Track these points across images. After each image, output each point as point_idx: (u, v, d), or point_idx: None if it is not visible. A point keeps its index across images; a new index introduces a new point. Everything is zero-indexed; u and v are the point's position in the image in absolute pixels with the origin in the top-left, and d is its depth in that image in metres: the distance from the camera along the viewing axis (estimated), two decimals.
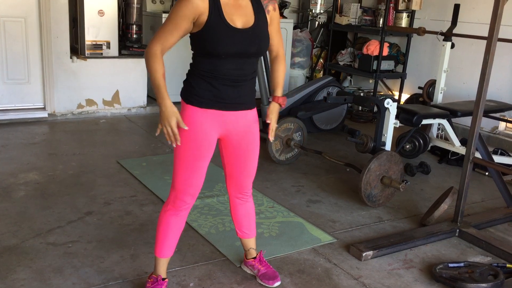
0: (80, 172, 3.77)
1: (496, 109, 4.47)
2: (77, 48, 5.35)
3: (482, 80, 2.90)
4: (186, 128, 2.05)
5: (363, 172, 3.34)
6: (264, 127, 4.75)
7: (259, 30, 2.09)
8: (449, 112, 4.15)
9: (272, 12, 2.16)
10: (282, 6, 6.42)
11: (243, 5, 2.07)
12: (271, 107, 2.31)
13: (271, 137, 2.31)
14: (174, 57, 5.48)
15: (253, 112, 2.23)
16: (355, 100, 4.21)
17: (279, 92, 2.32)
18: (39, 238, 2.76)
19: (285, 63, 2.35)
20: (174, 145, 2.06)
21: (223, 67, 2.04)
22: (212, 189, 3.54)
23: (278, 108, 2.32)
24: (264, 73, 4.34)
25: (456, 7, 4.66)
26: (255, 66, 2.18)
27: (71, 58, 5.13)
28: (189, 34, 2.07)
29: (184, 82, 2.15)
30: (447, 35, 4.58)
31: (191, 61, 2.12)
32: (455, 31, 4.63)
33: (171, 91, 2.04)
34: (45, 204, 3.21)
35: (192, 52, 2.11)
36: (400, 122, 3.92)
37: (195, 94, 2.09)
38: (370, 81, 6.22)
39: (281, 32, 2.29)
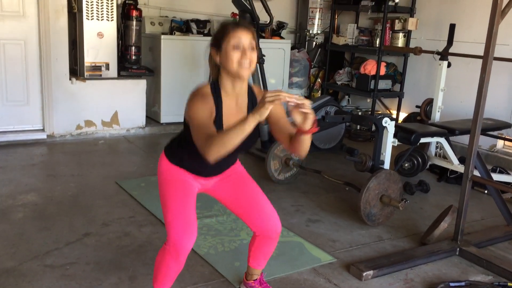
0: (78, 193, 3.76)
1: (493, 127, 4.48)
2: (76, 69, 5.38)
3: (479, 98, 2.92)
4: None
5: (362, 191, 3.33)
6: (262, 147, 4.78)
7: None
8: (447, 130, 4.16)
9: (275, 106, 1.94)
10: (280, 27, 6.49)
11: (242, 105, 2.10)
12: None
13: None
14: (172, 76, 5.55)
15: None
16: (353, 119, 4.22)
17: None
18: (37, 260, 2.74)
19: None
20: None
21: None
22: (211, 209, 3.53)
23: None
24: (261, 83, 4.33)
25: (452, 27, 4.72)
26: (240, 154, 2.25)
27: (70, 79, 5.15)
28: (184, 121, 2.11)
29: (172, 142, 2.23)
30: (444, 54, 4.62)
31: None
32: (451, 50, 4.67)
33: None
34: (43, 225, 3.19)
35: (183, 133, 2.15)
36: (398, 141, 3.92)
37: (178, 159, 2.18)
38: (368, 100, 6.26)
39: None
